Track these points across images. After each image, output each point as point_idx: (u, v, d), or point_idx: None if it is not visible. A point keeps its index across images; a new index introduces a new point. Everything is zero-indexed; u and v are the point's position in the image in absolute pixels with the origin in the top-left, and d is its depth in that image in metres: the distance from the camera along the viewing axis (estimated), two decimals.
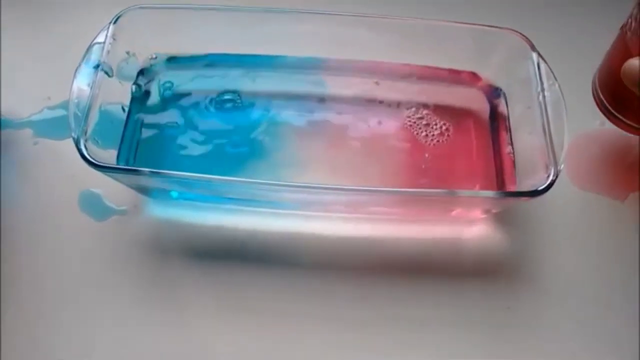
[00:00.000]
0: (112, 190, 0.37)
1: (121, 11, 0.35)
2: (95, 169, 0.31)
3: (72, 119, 0.31)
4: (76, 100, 0.32)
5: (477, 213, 0.36)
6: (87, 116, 0.32)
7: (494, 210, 0.36)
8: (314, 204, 0.35)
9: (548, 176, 0.31)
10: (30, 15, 0.44)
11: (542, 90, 0.33)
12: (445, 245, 0.36)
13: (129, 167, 0.32)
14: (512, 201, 0.33)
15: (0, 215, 0.36)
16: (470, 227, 0.37)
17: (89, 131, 0.32)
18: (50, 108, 0.40)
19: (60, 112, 0.39)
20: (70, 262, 0.35)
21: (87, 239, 0.36)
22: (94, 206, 0.37)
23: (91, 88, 0.32)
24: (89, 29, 0.35)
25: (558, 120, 0.33)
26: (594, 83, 0.37)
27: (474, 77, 0.39)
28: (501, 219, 0.37)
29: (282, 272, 0.35)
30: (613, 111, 0.36)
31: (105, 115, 0.34)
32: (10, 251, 0.35)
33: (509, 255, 0.36)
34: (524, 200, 0.32)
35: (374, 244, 0.36)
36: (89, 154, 0.31)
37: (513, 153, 0.36)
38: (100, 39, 0.34)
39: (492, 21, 0.36)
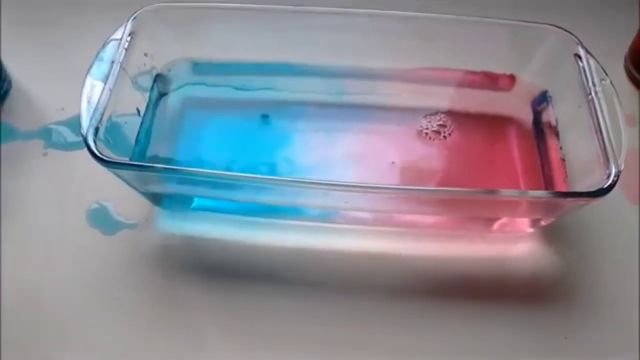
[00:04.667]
0: (123, 202, 0.35)
1: (140, 8, 0.33)
2: (103, 165, 0.29)
3: (84, 114, 0.29)
4: (88, 95, 0.30)
5: (524, 225, 0.33)
6: (98, 112, 0.30)
7: (543, 222, 0.32)
8: (340, 208, 0.33)
9: (608, 176, 0.28)
10: (47, 23, 0.43)
11: (594, 85, 0.31)
12: (489, 265, 0.33)
13: (141, 164, 0.30)
14: (569, 205, 0.30)
15: (0, 227, 0.34)
16: (516, 244, 0.34)
17: (101, 130, 0.30)
18: (63, 119, 0.38)
19: (73, 124, 0.38)
20: (75, 279, 0.33)
21: (94, 255, 0.33)
22: (102, 219, 0.35)
23: (105, 83, 0.31)
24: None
25: (613, 117, 0.30)
26: (626, 58, 0.40)
27: (513, 79, 0.36)
28: (550, 235, 0.34)
29: (304, 292, 0.32)
30: None
31: (118, 118, 0.32)
32: (13, 266, 0.33)
33: (562, 277, 0.33)
34: (582, 202, 0.29)
35: (408, 263, 0.33)
36: (98, 151, 0.28)
37: (564, 158, 0.33)
38: (117, 35, 0.32)
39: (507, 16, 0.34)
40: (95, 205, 0.35)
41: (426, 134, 0.35)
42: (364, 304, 0.32)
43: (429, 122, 0.36)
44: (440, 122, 0.36)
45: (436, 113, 0.36)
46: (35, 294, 0.32)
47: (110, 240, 0.34)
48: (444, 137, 0.35)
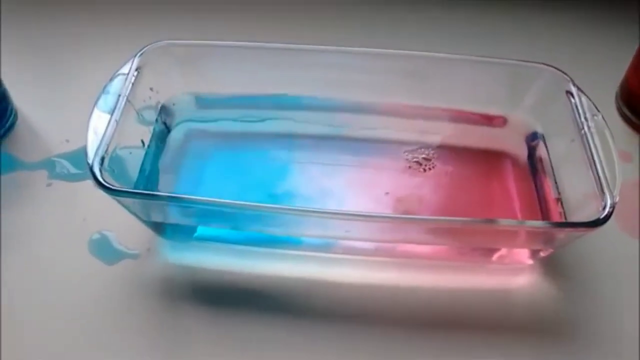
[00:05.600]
0: (125, 232, 0.35)
1: (147, 45, 0.34)
2: (108, 193, 0.29)
3: (90, 144, 0.30)
4: (95, 126, 0.31)
5: (524, 257, 0.33)
6: (104, 143, 0.30)
7: (542, 254, 0.32)
8: (340, 238, 0.33)
9: (604, 207, 0.29)
10: (53, 57, 0.45)
11: (586, 120, 0.32)
12: (489, 297, 0.33)
13: (146, 192, 0.30)
14: (566, 236, 0.30)
15: (1, 256, 0.34)
16: (516, 276, 0.34)
17: (106, 160, 0.31)
18: (68, 151, 0.39)
19: (77, 155, 0.39)
20: (76, 309, 0.32)
21: (95, 284, 0.33)
22: (104, 249, 0.35)
23: (111, 115, 0.31)
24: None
25: (606, 150, 0.31)
26: (617, 96, 0.41)
27: (506, 117, 0.37)
28: (551, 267, 0.34)
29: (305, 322, 0.32)
30: (636, 122, 0.40)
31: (123, 149, 0.32)
32: (14, 295, 0.33)
33: (562, 311, 0.33)
34: (579, 233, 0.30)
35: (406, 294, 0.33)
36: (103, 179, 0.29)
37: (559, 193, 0.33)
38: (124, 70, 0.33)
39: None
40: (96, 235, 0.35)
41: (409, 167, 0.36)
42: (365, 335, 0.31)
43: (419, 155, 0.37)
44: (425, 156, 0.36)
45: (425, 147, 0.37)
46: (36, 324, 0.32)
47: (112, 270, 0.33)
48: (424, 170, 0.36)
